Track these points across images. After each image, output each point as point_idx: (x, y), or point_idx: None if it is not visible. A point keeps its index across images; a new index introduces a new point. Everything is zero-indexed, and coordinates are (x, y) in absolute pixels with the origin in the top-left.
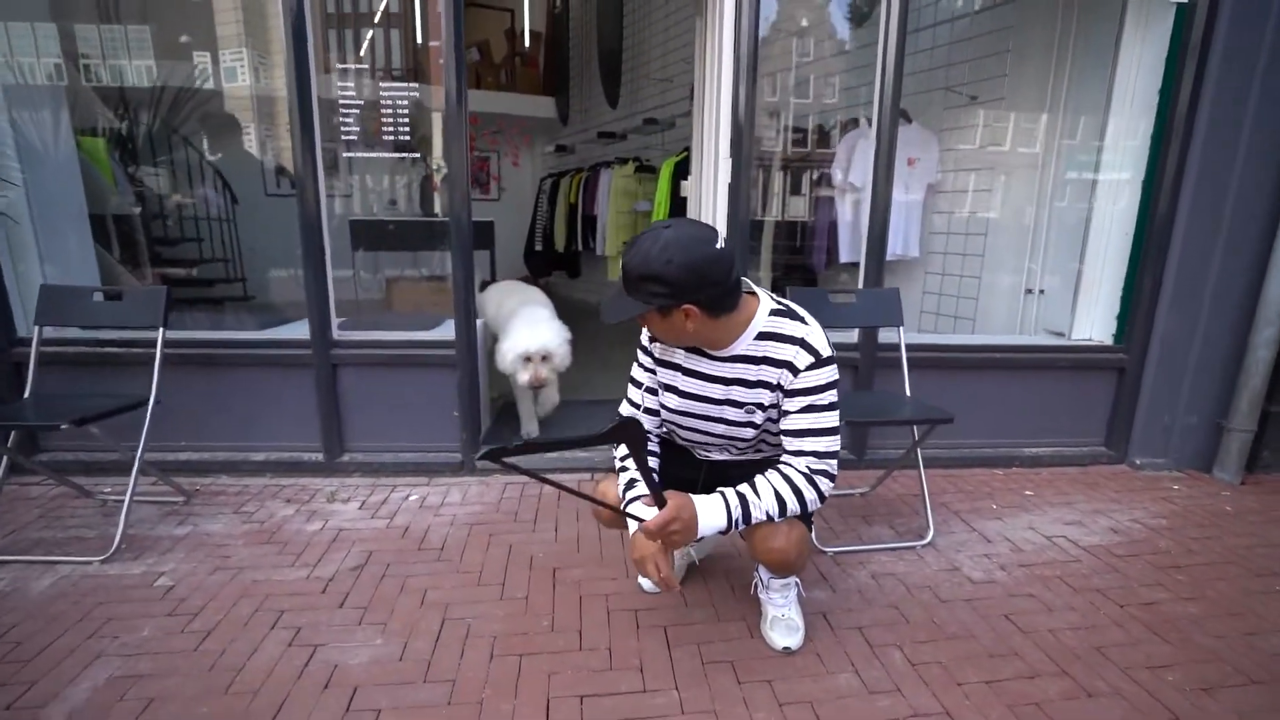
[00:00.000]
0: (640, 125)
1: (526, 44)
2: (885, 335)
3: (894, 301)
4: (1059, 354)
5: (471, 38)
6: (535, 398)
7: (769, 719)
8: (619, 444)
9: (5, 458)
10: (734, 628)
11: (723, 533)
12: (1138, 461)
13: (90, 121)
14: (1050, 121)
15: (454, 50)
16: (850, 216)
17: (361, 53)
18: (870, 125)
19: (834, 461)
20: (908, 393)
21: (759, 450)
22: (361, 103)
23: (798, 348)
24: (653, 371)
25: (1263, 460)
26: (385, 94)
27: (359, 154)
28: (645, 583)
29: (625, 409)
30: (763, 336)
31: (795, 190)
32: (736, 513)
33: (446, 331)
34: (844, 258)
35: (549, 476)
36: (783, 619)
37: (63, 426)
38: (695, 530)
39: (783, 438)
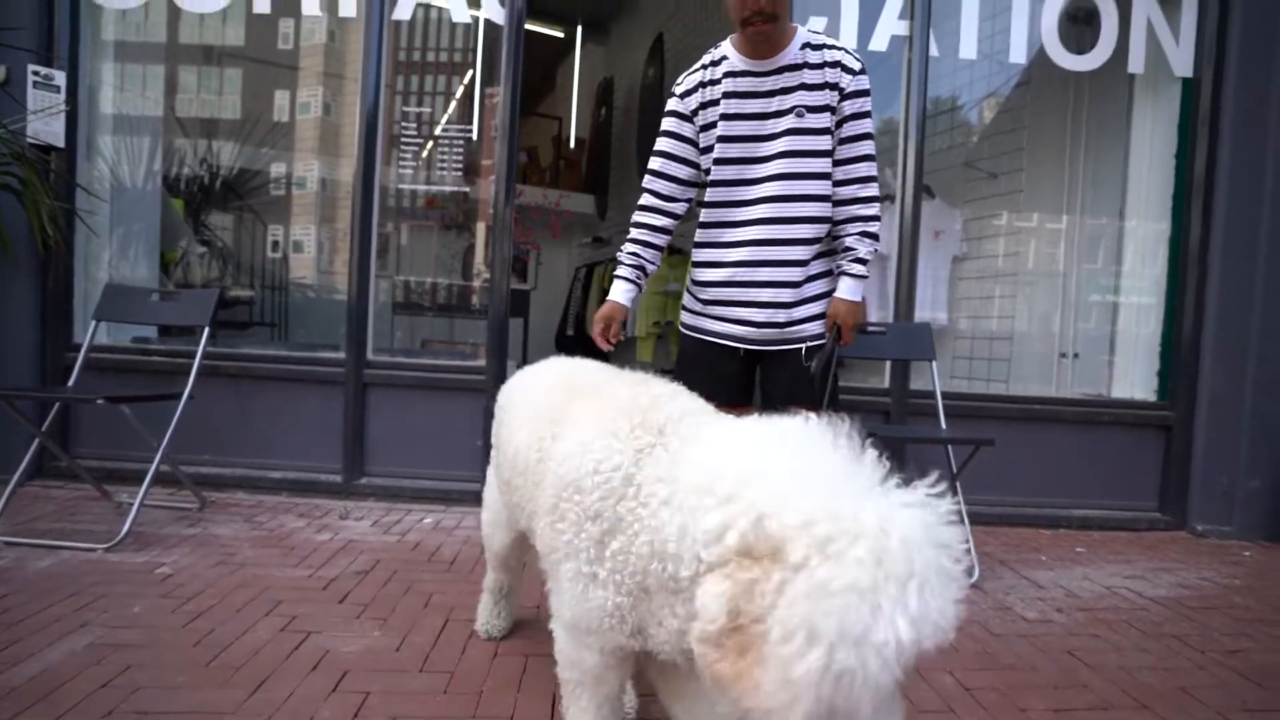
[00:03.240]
0: None
1: (572, 147)
2: (917, 381)
3: (926, 336)
4: (1100, 409)
5: (522, 144)
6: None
7: None
8: None
9: (36, 440)
10: None
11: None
12: (1199, 528)
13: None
14: (1071, 192)
15: (507, 156)
16: (878, 284)
17: (423, 159)
18: (894, 202)
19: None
20: (944, 427)
21: (817, 270)
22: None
23: (842, 52)
24: (682, 136)
25: None
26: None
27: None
28: None
29: (644, 192)
30: (806, 46)
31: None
32: (860, 270)
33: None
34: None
35: None
36: None
37: (99, 401)
38: (852, 306)
39: (842, 168)
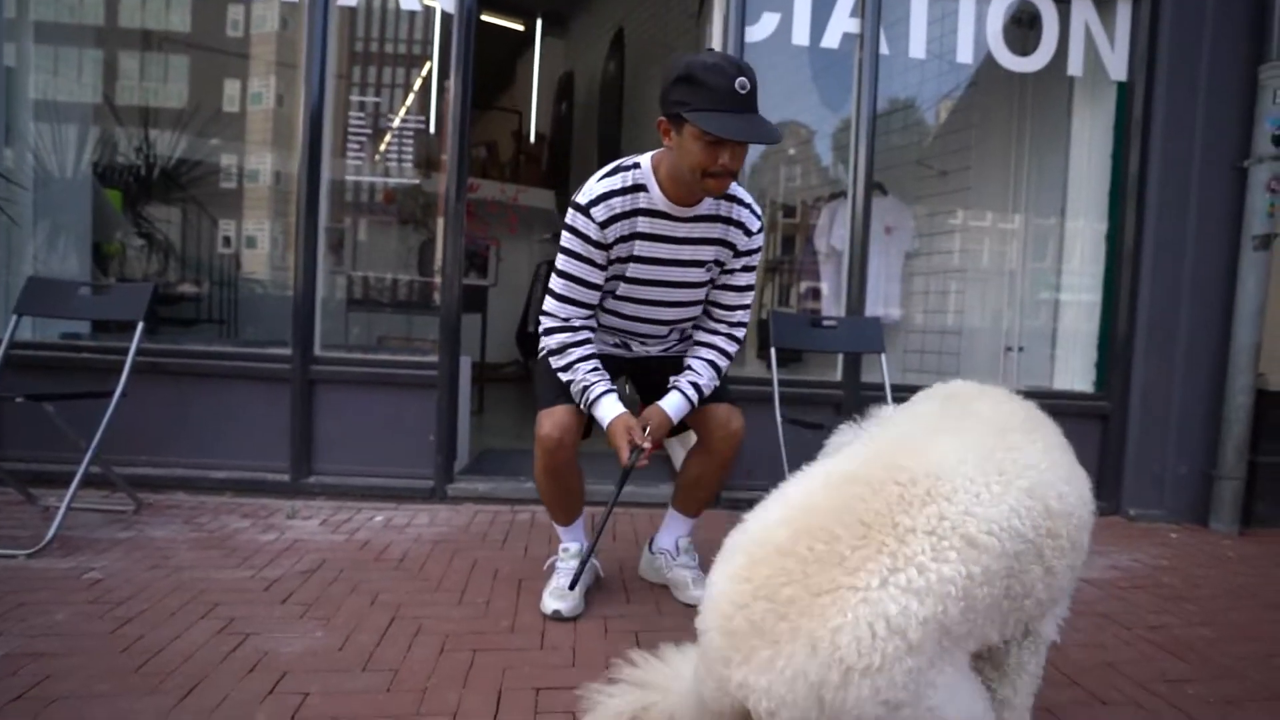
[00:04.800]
0: None
1: (532, 142)
2: (868, 374)
3: (875, 329)
4: (1041, 398)
5: (481, 138)
6: None
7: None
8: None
9: None
10: None
11: (689, 409)
12: (1131, 512)
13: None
14: (1016, 189)
15: (458, 150)
16: (833, 279)
17: (378, 153)
18: (847, 197)
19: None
20: None
21: (683, 336)
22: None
23: (746, 211)
24: (597, 263)
25: (1258, 513)
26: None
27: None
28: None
29: (572, 314)
30: (719, 198)
31: (782, 256)
32: (693, 397)
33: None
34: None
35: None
36: (700, 578)
37: (18, 400)
38: (666, 420)
39: (721, 295)
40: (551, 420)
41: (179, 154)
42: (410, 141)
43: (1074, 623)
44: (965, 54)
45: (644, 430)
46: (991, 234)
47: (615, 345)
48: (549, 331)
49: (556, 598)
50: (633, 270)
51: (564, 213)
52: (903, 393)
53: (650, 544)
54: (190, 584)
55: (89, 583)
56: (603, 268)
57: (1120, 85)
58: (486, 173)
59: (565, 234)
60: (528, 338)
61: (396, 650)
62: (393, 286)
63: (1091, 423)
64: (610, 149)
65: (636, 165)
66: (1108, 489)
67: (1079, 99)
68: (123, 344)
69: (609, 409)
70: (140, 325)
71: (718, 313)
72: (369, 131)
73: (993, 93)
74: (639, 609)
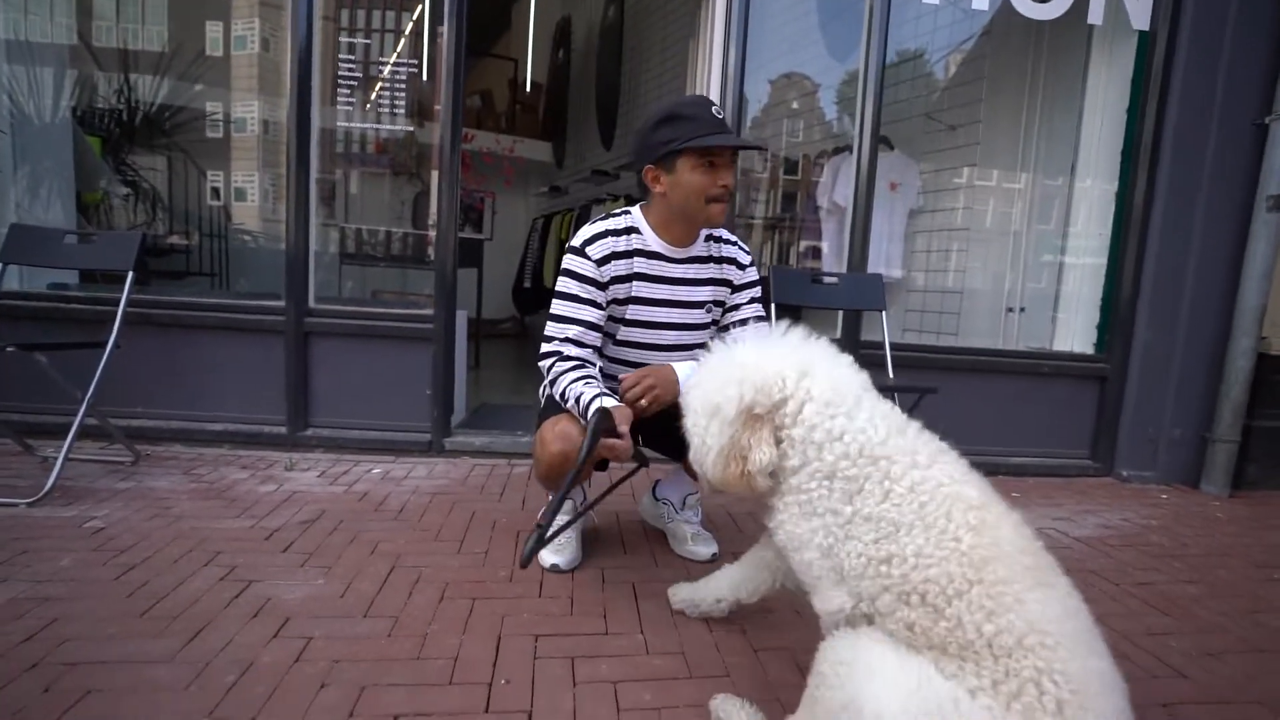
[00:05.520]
0: (633, 163)
1: (528, 91)
2: (868, 333)
3: (877, 286)
4: (1041, 360)
5: (476, 86)
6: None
7: (742, 661)
8: (607, 434)
9: None
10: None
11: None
12: (1124, 474)
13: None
14: (1026, 146)
15: (452, 99)
16: (835, 237)
17: (369, 100)
18: (852, 152)
19: None
20: (891, 377)
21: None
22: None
23: (735, 248)
24: (597, 304)
25: (1249, 476)
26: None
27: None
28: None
29: (564, 348)
30: (710, 239)
31: (782, 213)
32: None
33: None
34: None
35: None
36: (700, 534)
37: (8, 349)
38: (673, 377)
39: (734, 330)
40: (554, 431)
41: (160, 99)
42: (403, 89)
43: None
44: (981, 0)
45: (645, 392)
46: (1000, 192)
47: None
48: (548, 369)
49: (553, 552)
50: (632, 312)
51: (561, 166)
52: (902, 352)
53: (654, 488)
54: (191, 533)
55: (91, 531)
56: (600, 307)
57: (1141, 35)
58: (481, 123)
59: (561, 279)
60: (524, 294)
61: (397, 597)
62: (386, 240)
63: (1089, 384)
64: (609, 99)
65: (627, 212)
66: (1102, 450)
67: (1097, 49)
68: (113, 295)
69: (600, 401)
70: (131, 275)
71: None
72: (359, 76)
73: (1007, 42)
74: (636, 560)
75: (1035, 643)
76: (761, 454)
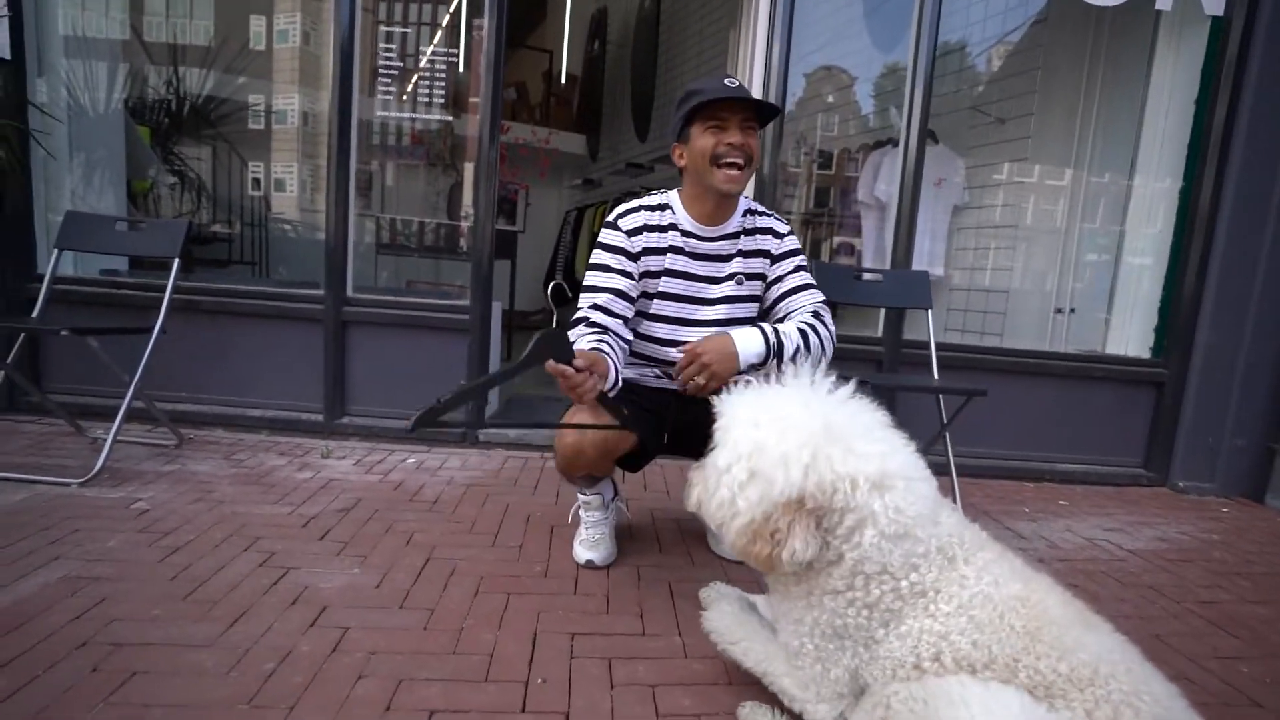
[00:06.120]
0: (668, 156)
1: (563, 83)
2: (910, 332)
3: (923, 283)
4: (1093, 364)
5: (511, 78)
6: None
7: None
8: (545, 360)
9: (3, 373)
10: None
11: (760, 362)
12: (1180, 484)
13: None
14: (1082, 140)
15: (492, 92)
16: (874, 233)
17: (407, 92)
18: (897, 146)
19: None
20: (936, 377)
21: None
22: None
23: (771, 218)
24: (628, 274)
25: None
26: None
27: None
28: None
29: (591, 314)
30: (748, 213)
31: (817, 208)
32: (772, 338)
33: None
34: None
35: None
36: None
37: (63, 333)
38: (731, 350)
39: (783, 302)
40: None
41: (206, 91)
42: (442, 79)
43: (1121, 594)
44: None
45: (701, 370)
46: (1049, 189)
47: (657, 375)
48: (574, 338)
49: (588, 547)
50: (665, 284)
51: (595, 159)
52: (946, 352)
53: None
54: (232, 518)
55: (137, 512)
56: (631, 277)
57: (1215, 21)
58: (516, 115)
59: (594, 253)
60: (557, 286)
61: (432, 590)
62: (420, 230)
63: (1144, 389)
64: (645, 92)
65: (663, 191)
66: (1156, 459)
67: (1164, 38)
68: (160, 281)
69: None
70: (176, 262)
71: (792, 311)
72: (398, 67)
73: (1064, 30)
74: (671, 559)
75: (1109, 672)
76: (797, 547)
